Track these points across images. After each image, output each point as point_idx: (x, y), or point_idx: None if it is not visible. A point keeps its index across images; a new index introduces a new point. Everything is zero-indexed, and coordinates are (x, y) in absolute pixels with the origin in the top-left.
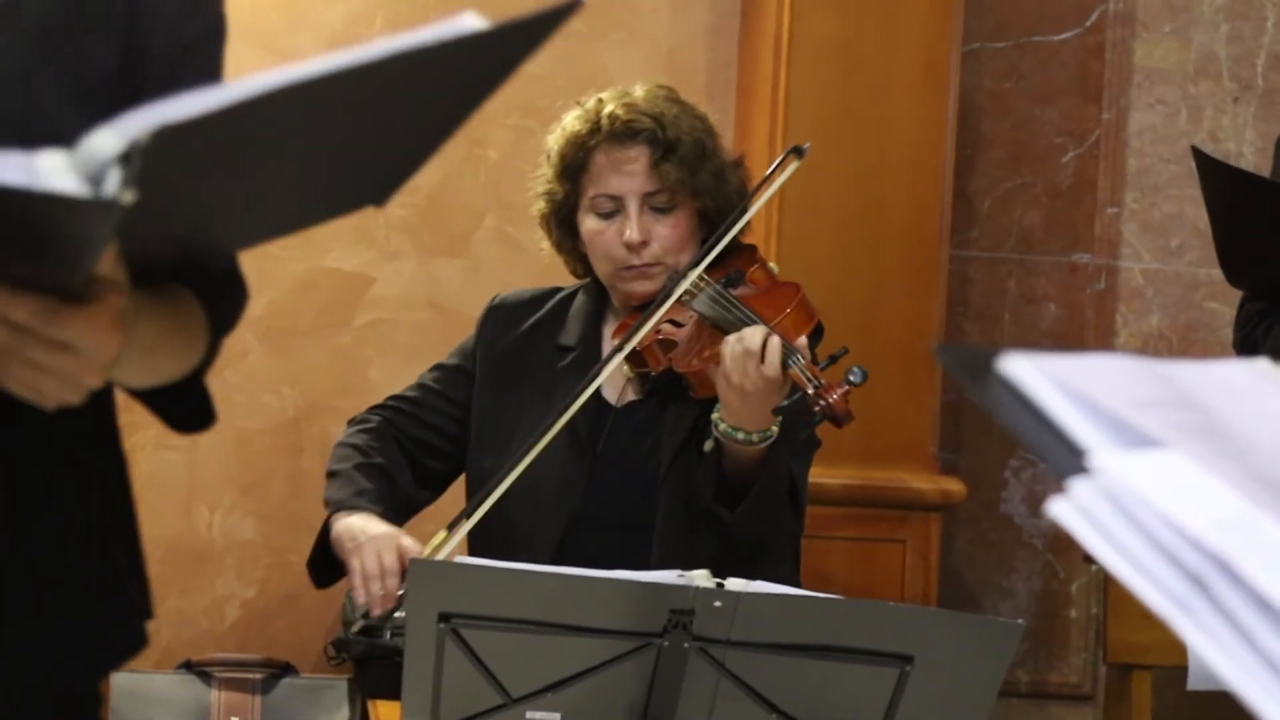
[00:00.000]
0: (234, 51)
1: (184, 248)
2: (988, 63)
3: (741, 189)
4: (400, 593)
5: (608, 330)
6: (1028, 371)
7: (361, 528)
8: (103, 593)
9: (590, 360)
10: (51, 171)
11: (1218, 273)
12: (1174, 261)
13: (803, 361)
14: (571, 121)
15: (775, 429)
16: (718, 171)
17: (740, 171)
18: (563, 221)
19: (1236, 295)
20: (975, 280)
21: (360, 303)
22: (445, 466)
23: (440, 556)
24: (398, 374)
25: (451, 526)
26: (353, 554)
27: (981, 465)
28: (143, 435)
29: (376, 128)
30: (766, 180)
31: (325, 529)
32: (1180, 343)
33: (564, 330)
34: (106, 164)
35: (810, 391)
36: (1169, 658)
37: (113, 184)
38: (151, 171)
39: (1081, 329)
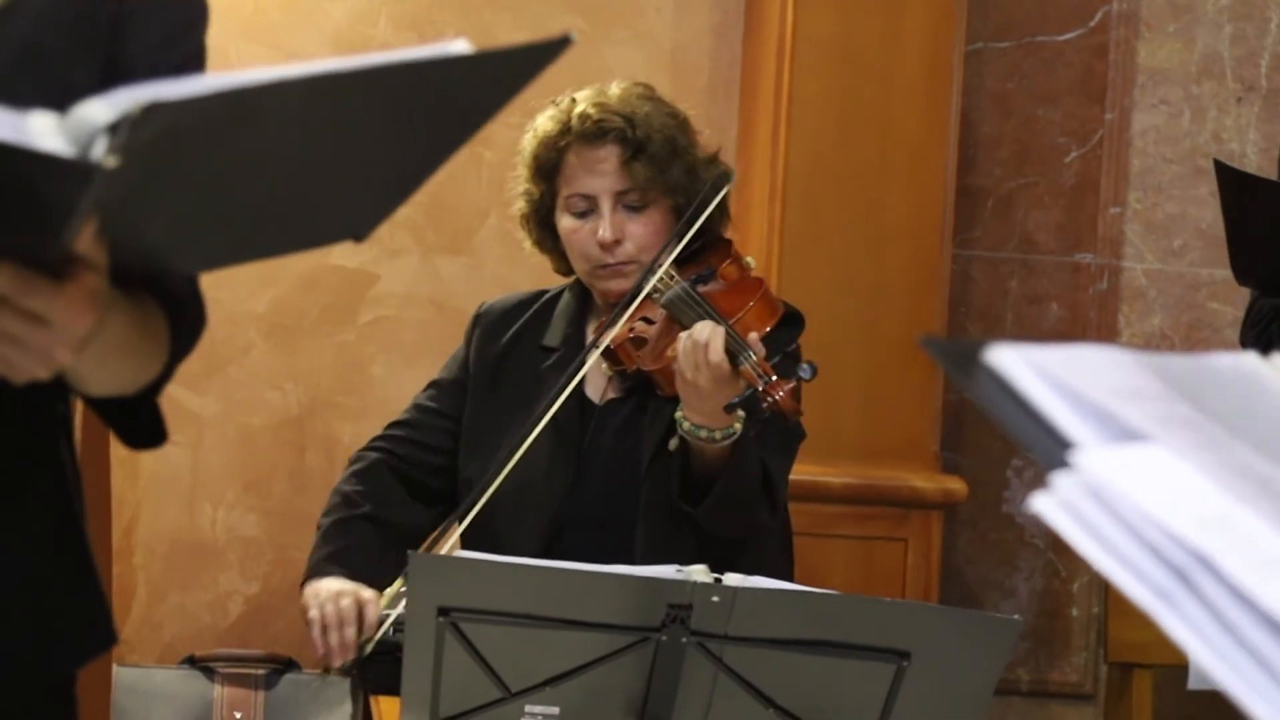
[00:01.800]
0: (237, 48)
1: (157, 254)
2: (991, 63)
3: (717, 185)
4: (362, 641)
5: (590, 329)
6: (1014, 362)
7: (325, 587)
8: (66, 590)
9: (572, 360)
10: (41, 132)
11: (1220, 273)
12: (1176, 262)
13: (754, 358)
14: (544, 121)
15: (738, 425)
16: (689, 168)
17: (714, 166)
18: (541, 221)
19: (1238, 295)
20: (978, 280)
21: (363, 300)
22: (449, 483)
23: (394, 606)
24: (400, 371)
25: (442, 532)
26: (312, 605)
27: (983, 464)
28: None
29: (360, 150)
30: (700, 205)
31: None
32: (1183, 343)
33: (548, 331)
34: (95, 132)
35: (760, 388)
36: (1170, 657)
37: (99, 150)
38: (138, 146)
39: (1084, 329)
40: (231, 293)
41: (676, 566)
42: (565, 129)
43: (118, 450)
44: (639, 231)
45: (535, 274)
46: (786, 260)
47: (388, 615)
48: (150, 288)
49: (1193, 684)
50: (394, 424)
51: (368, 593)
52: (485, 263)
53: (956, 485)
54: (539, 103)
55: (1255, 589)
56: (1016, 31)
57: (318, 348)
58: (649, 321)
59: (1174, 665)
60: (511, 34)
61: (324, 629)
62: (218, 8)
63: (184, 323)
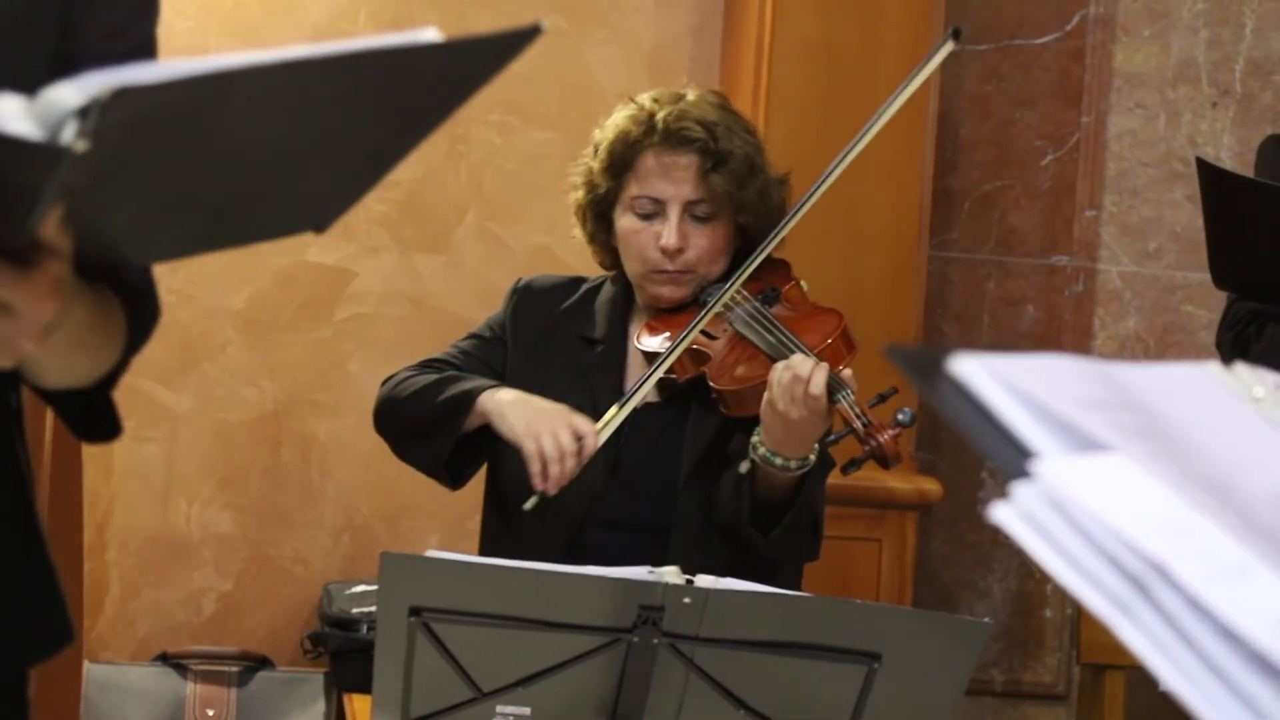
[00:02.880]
0: (216, 44)
1: (119, 243)
2: (969, 65)
3: (782, 207)
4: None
5: (633, 327)
6: (976, 372)
7: (527, 403)
8: (21, 587)
9: (616, 355)
10: (9, 115)
11: (1195, 276)
12: (1152, 265)
13: (851, 397)
14: (622, 119)
15: (813, 457)
16: (763, 189)
17: (783, 189)
18: (600, 214)
19: (1213, 298)
20: (954, 281)
21: (341, 297)
22: (480, 437)
23: (608, 434)
24: (377, 369)
25: (621, 404)
26: (528, 437)
27: (959, 466)
28: None
29: (327, 139)
30: (919, 69)
31: (453, 424)
32: (1157, 345)
33: (590, 322)
34: (64, 116)
35: (860, 429)
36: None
37: (69, 134)
38: (107, 130)
39: (1060, 331)
40: (208, 289)
41: (649, 568)
42: (648, 130)
43: (91, 445)
44: (702, 243)
45: (514, 272)
46: None
47: (600, 442)
48: (108, 279)
49: (1164, 686)
50: (434, 359)
51: (583, 423)
52: (463, 260)
53: (931, 486)
54: (521, 100)
55: (1212, 600)
56: (994, 35)
57: (294, 344)
58: (711, 336)
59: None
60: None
61: (545, 461)
62: (199, 2)
63: (140, 315)
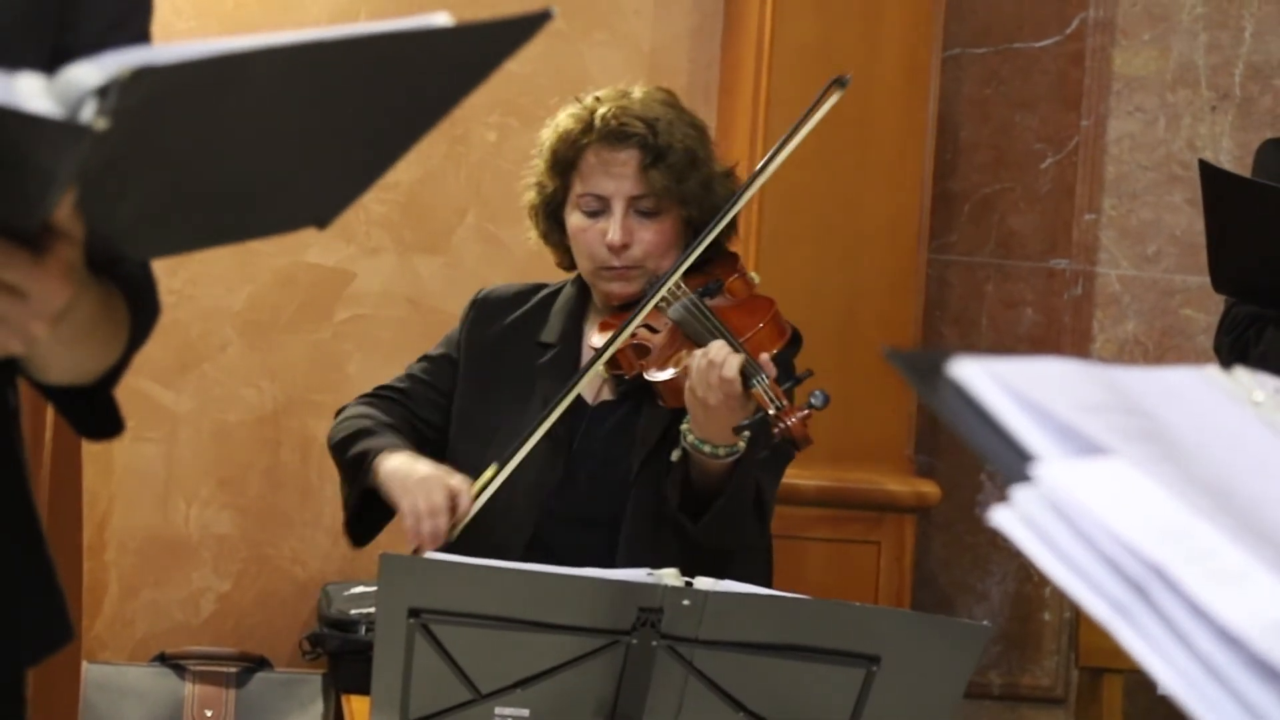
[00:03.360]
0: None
1: (127, 233)
2: (968, 68)
3: (728, 199)
4: (450, 528)
5: (589, 327)
6: (976, 375)
7: (410, 467)
8: (21, 585)
9: (569, 357)
10: (29, 93)
11: (1194, 279)
12: (1151, 268)
13: (766, 381)
14: (565, 118)
15: (742, 444)
16: (705, 181)
17: (730, 181)
18: (550, 214)
19: (1212, 302)
20: (954, 284)
21: (340, 298)
22: (434, 456)
23: (487, 495)
24: (377, 369)
25: (500, 464)
26: (403, 495)
27: (957, 468)
28: None
29: (336, 127)
30: (807, 115)
31: (359, 481)
32: (1156, 349)
33: (546, 326)
34: (84, 95)
35: (771, 412)
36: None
37: (88, 113)
38: (126, 110)
39: (1059, 334)
40: (208, 289)
41: (648, 570)
42: (587, 127)
43: (91, 445)
44: (648, 238)
45: (514, 273)
46: (763, 263)
47: (477, 502)
48: (111, 274)
49: (1163, 689)
50: (385, 386)
51: (457, 481)
52: (463, 262)
53: (930, 489)
54: (520, 101)
55: (1212, 603)
56: (994, 38)
57: (294, 345)
58: (653, 330)
59: (1144, 671)
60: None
61: (417, 518)
62: (199, 3)
63: (142, 311)
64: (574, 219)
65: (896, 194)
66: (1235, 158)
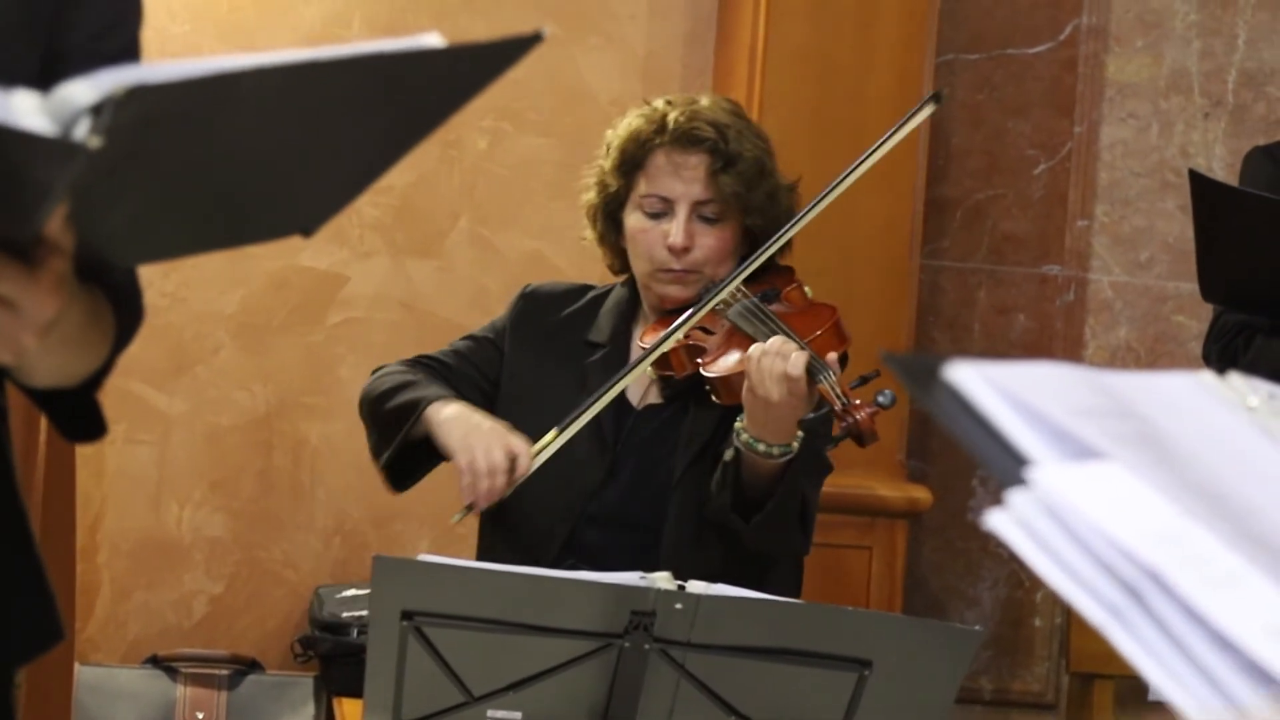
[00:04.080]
0: (210, 47)
1: (115, 242)
2: (961, 74)
3: (790, 212)
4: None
5: (637, 332)
6: (972, 380)
7: (469, 419)
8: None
9: (618, 359)
10: (24, 111)
11: (1186, 286)
12: (1143, 275)
13: (832, 377)
14: (635, 119)
15: (796, 445)
16: (772, 192)
17: (793, 195)
18: (609, 215)
19: (1204, 309)
20: (946, 290)
21: (333, 301)
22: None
23: (544, 458)
24: (369, 373)
25: (561, 429)
26: (462, 451)
27: (949, 473)
28: (113, 430)
29: (325, 142)
30: (900, 126)
31: (408, 426)
32: (1148, 355)
33: (595, 326)
34: (78, 112)
35: (837, 408)
36: (1131, 668)
37: (82, 130)
38: (119, 130)
39: (1050, 340)
40: (201, 293)
41: (640, 574)
42: (660, 128)
43: (83, 447)
44: (709, 243)
45: (506, 278)
46: None
47: (535, 463)
48: (96, 279)
49: (1153, 695)
50: (429, 356)
51: (517, 441)
52: (455, 266)
53: (922, 494)
54: (514, 106)
55: (1207, 607)
56: (987, 44)
57: (286, 348)
58: (708, 332)
59: (1135, 676)
60: (484, 38)
61: (475, 475)
62: (194, 7)
63: (127, 315)
64: (634, 219)
65: (889, 199)
66: (1228, 165)
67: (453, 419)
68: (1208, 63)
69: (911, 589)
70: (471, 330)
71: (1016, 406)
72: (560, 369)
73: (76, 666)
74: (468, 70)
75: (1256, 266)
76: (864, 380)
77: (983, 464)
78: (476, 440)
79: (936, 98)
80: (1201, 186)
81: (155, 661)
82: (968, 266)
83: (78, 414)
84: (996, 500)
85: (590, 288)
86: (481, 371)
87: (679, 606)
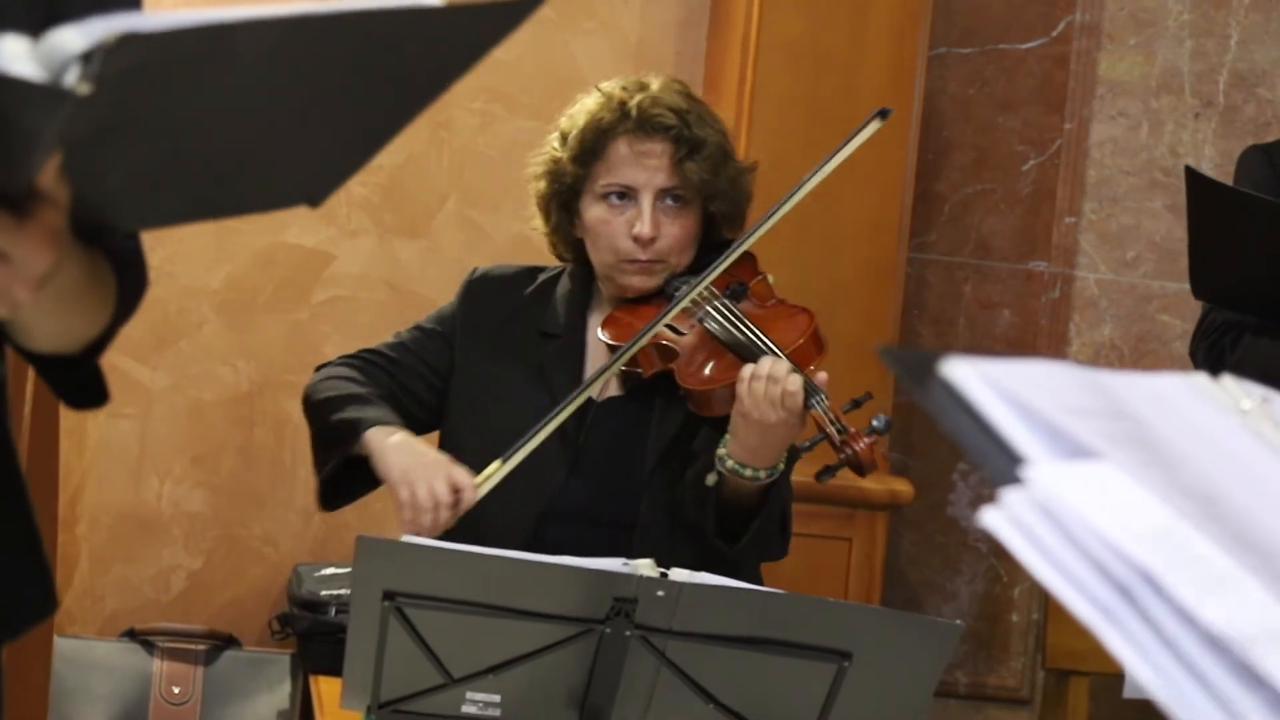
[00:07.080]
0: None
1: (114, 203)
2: (953, 68)
3: (750, 195)
4: (445, 522)
5: (593, 320)
6: (968, 376)
7: (412, 451)
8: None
9: (575, 348)
10: (12, 56)
11: (1171, 285)
12: (1129, 273)
13: (826, 402)
14: (594, 106)
15: (781, 465)
16: (734, 176)
17: (751, 178)
18: (564, 204)
19: (1189, 308)
20: (932, 284)
21: (319, 279)
22: (414, 430)
23: (487, 488)
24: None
25: (505, 459)
26: (402, 482)
27: (930, 467)
28: None
29: (325, 104)
30: (847, 142)
31: (342, 447)
32: (1132, 354)
33: (549, 315)
34: (68, 60)
35: (835, 436)
36: (1107, 665)
37: (72, 77)
38: (110, 77)
39: (1035, 336)
40: (186, 267)
41: (623, 560)
42: (621, 116)
43: (65, 419)
44: (674, 231)
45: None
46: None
47: (479, 496)
48: (100, 245)
49: (1128, 692)
50: (371, 350)
51: (461, 473)
52: (442, 246)
53: (903, 487)
54: (505, 88)
55: (1197, 607)
56: (980, 38)
57: (271, 325)
58: (678, 332)
59: (1110, 673)
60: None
61: (416, 510)
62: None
63: (129, 282)
64: (596, 210)
65: (877, 192)
66: (1217, 165)
67: (395, 448)
68: (1199, 63)
69: (890, 581)
70: (424, 317)
71: (1012, 404)
72: (516, 362)
73: (54, 638)
74: (466, 32)
75: (1248, 266)
76: (856, 404)
77: (976, 461)
78: (418, 473)
79: (883, 114)
80: (1198, 185)
81: (132, 635)
82: (954, 261)
83: (78, 381)
84: (977, 495)
85: (540, 269)
86: (429, 364)
87: (661, 594)
